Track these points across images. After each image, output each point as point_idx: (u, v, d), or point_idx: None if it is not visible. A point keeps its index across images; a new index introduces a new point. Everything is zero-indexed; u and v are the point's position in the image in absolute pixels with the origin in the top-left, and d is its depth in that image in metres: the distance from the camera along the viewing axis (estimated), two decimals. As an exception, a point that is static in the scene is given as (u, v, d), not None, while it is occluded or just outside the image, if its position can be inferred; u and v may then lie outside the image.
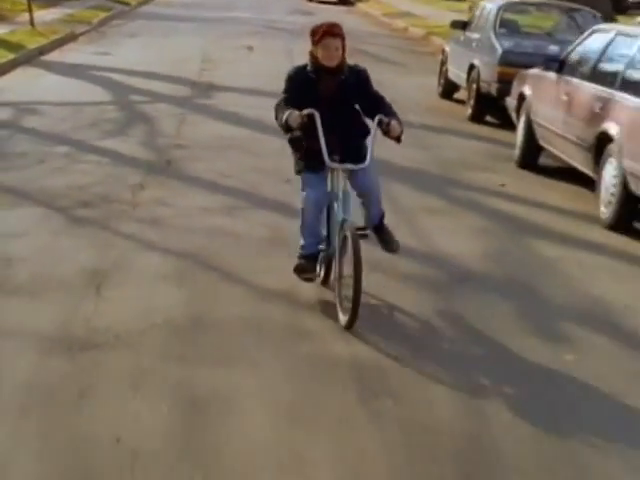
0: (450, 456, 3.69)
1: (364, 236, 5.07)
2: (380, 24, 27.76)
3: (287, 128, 4.95)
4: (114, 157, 8.63)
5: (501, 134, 10.56)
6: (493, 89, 10.84)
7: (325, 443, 3.72)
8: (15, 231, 6.40)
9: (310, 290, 5.29)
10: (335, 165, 4.99)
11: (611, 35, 7.80)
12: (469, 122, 11.45)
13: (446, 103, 12.96)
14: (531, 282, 5.79)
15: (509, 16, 11.94)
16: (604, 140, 7.04)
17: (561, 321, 5.22)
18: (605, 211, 7.04)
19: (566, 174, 8.43)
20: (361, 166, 4.98)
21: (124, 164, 8.39)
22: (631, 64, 7.16)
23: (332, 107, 5.00)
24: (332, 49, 4.97)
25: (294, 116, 4.88)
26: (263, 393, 4.12)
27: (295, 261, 5.27)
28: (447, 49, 13.32)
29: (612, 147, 6.92)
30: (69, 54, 16.50)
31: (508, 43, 11.03)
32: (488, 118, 11.55)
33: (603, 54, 7.70)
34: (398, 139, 5.02)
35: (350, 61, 5.18)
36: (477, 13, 12.61)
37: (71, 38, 18.88)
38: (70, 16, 22.57)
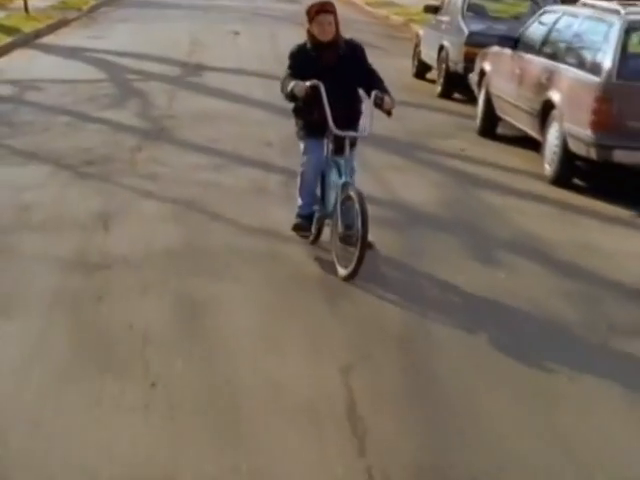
0: (395, 340, 4.63)
1: None
2: (364, 12, 28.58)
3: (292, 97, 5.52)
4: (112, 125, 9.52)
5: (466, 109, 11.45)
6: (460, 68, 11.76)
7: (294, 328, 4.67)
8: (29, 184, 7.28)
9: (283, 222, 6.12)
10: (340, 132, 5.44)
11: (558, 15, 8.76)
12: (439, 98, 12.37)
13: (419, 82, 13.88)
14: (476, 223, 6.75)
15: (476, 1, 12.87)
16: (548, 107, 7.98)
17: (499, 251, 6.17)
18: (548, 168, 8.00)
19: (520, 141, 9.37)
20: (363, 134, 5.60)
21: (122, 131, 9.27)
22: (572, 40, 8.12)
23: (333, 80, 5.43)
24: (325, 24, 5.48)
25: (299, 86, 5.36)
26: (246, 297, 5.06)
27: (279, 210, 6.15)
28: (420, 32, 14.24)
29: (555, 112, 7.87)
30: (63, 37, 17.31)
31: (474, 25, 11.94)
32: (456, 95, 12.46)
33: (550, 32, 8.65)
34: (389, 112, 5.59)
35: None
36: (447, -2, 13.53)
37: (64, 23, 19.65)
38: (61, 3, 23.27)
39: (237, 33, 18.59)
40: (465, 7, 12.49)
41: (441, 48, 12.51)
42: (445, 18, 12.97)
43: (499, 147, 9.44)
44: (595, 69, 7.43)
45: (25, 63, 13.98)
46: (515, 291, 5.41)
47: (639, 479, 3.62)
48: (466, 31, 11.84)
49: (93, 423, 3.70)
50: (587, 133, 7.30)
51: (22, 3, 20.04)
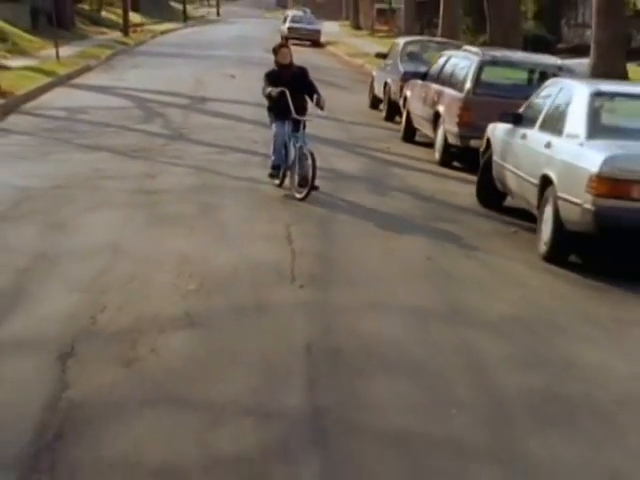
0: (316, 218, 8.70)
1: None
2: (343, 62, 33.16)
3: (269, 97, 9.60)
4: (145, 132, 13.63)
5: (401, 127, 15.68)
6: (397, 97, 15.98)
7: (262, 215, 8.78)
8: (98, 161, 11.30)
9: (262, 178, 10.22)
10: (298, 117, 9.55)
11: (448, 56, 13.03)
12: (383, 121, 16.63)
13: (372, 112, 18.15)
14: (382, 180, 10.90)
15: (411, 49, 17.21)
16: (437, 115, 12.18)
17: (390, 191, 10.30)
18: (437, 155, 12.19)
19: (428, 144, 13.54)
20: (309, 118, 9.68)
21: (153, 135, 13.39)
22: (452, 71, 12.37)
23: (291, 88, 9.38)
24: (284, 54, 9.81)
25: (275, 91, 9.34)
26: (236, 204, 9.15)
27: (260, 172, 10.26)
28: (374, 73, 18.55)
29: (441, 119, 12.05)
30: (91, 79, 21.48)
31: (408, 66, 16.20)
32: (397, 119, 16.65)
33: (443, 67, 12.90)
34: (322, 108, 9.68)
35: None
36: (392, 47, 17.86)
37: (88, 69, 23.83)
38: (82, 52, 27.48)
39: (233, 76, 22.81)
40: (403, 54, 16.81)
41: (385, 84, 16.76)
42: (389, 62, 17.28)
43: (413, 147, 13.65)
44: (461, 89, 11.64)
45: (67, 97, 18.04)
46: (391, 205, 9.55)
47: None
48: (402, 70, 16.09)
49: (162, 238, 7.73)
50: (455, 129, 11.47)
51: (48, 52, 24.46)
